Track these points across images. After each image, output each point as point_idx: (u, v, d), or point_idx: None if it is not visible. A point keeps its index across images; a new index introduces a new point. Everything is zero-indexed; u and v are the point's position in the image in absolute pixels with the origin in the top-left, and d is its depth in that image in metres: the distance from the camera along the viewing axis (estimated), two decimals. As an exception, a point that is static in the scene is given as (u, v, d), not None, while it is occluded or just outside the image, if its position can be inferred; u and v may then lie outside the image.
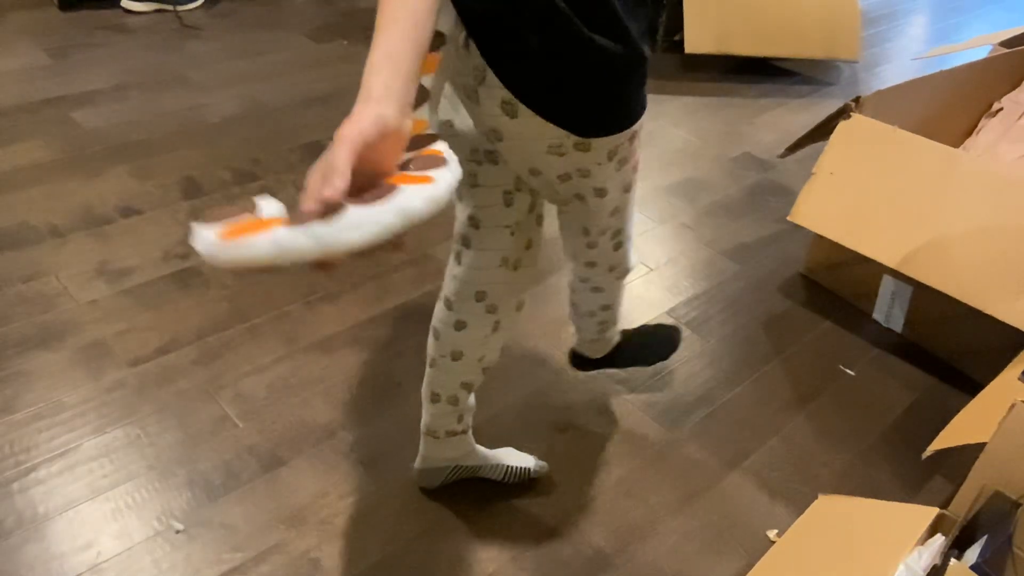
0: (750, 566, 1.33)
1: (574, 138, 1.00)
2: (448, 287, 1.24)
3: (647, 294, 1.96)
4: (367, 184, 0.71)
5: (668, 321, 1.88)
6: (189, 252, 1.92)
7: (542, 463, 1.47)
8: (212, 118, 2.47)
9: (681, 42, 2.99)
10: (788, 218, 1.86)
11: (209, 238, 0.63)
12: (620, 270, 1.33)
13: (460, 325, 1.25)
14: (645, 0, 0.97)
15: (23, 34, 2.84)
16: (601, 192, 1.13)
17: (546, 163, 1.05)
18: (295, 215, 0.65)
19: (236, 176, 2.21)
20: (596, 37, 0.92)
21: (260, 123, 2.47)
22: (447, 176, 0.71)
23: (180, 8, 3.15)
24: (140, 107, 2.49)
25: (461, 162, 1.13)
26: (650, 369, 1.74)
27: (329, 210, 0.64)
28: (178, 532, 1.32)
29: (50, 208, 2.01)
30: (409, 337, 1.75)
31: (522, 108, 0.96)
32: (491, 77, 0.95)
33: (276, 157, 2.31)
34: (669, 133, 2.70)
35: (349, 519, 1.37)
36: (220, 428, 1.50)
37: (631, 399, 1.66)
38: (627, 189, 1.17)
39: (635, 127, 1.06)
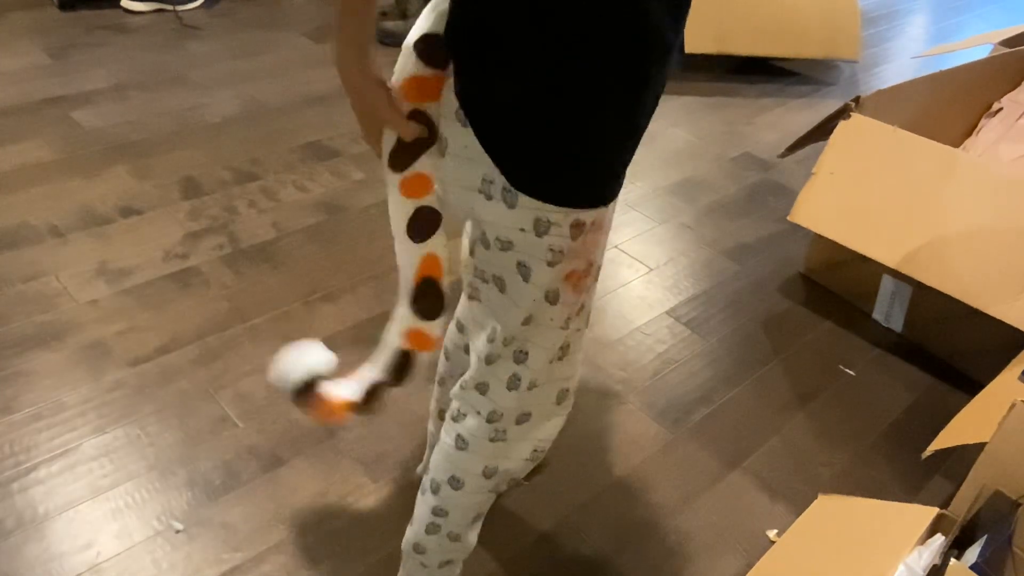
0: (750, 566, 1.33)
1: (503, 181, 0.82)
2: (459, 308, 1.18)
3: (647, 294, 1.96)
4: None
5: (667, 322, 1.88)
6: (189, 252, 1.92)
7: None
8: (212, 118, 2.47)
9: (681, 42, 2.98)
10: (788, 218, 1.86)
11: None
12: (503, 422, 0.99)
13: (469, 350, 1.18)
14: (640, 32, 0.76)
15: (23, 34, 2.84)
16: (524, 272, 0.87)
17: (477, 205, 0.87)
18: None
19: (236, 176, 2.21)
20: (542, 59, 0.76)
21: (260, 123, 2.47)
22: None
23: (180, 8, 3.15)
24: (140, 107, 2.49)
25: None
26: (650, 369, 1.74)
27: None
28: (178, 532, 1.32)
29: (50, 208, 2.01)
30: (409, 337, 1.74)
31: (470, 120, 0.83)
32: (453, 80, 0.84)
33: (276, 157, 2.31)
34: (669, 133, 2.70)
35: (349, 519, 1.37)
36: (220, 428, 1.50)
37: (631, 399, 1.66)
38: (551, 298, 0.89)
39: (577, 214, 0.84)
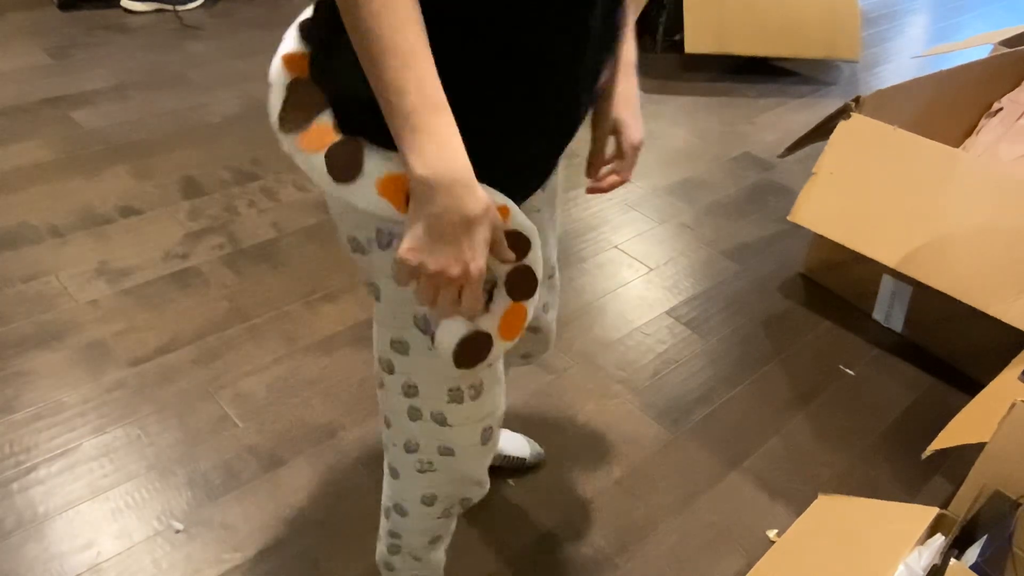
0: (750, 566, 1.33)
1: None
2: None
3: (647, 294, 1.96)
4: None
5: (667, 322, 1.88)
6: (189, 252, 1.92)
7: (539, 452, 1.48)
8: (212, 118, 2.47)
9: (681, 42, 2.99)
10: (788, 218, 1.86)
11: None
12: (424, 452, 0.93)
13: None
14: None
15: (23, 34, 2.84)
16: (372, 289, 0.81)
17: (333, 206, 0.80)
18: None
19: (236, 176, 2.21)
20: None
21: (260, 123, 2.47)
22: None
23: (180, 8, 3.15)
24: (140, 107, 2.49)
25: None
26: (650, 369, 1.74)
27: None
28: (178, 532, 1.32)
29: (50, 208, 2.01)
30: (409, 337, 1.74)
31: None
32: None
33: (276, 157, 2.31)
34: (669, 133, 2.70)
35: (349, 519, 1.37)
36: (220, 428, 1.50)
37: (631, 399, 1.66)
38: (421, 325, 0.81)
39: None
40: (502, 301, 0.79)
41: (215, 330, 1.71)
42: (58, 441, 1.45)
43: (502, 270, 0.78)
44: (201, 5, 3.22)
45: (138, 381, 1.58)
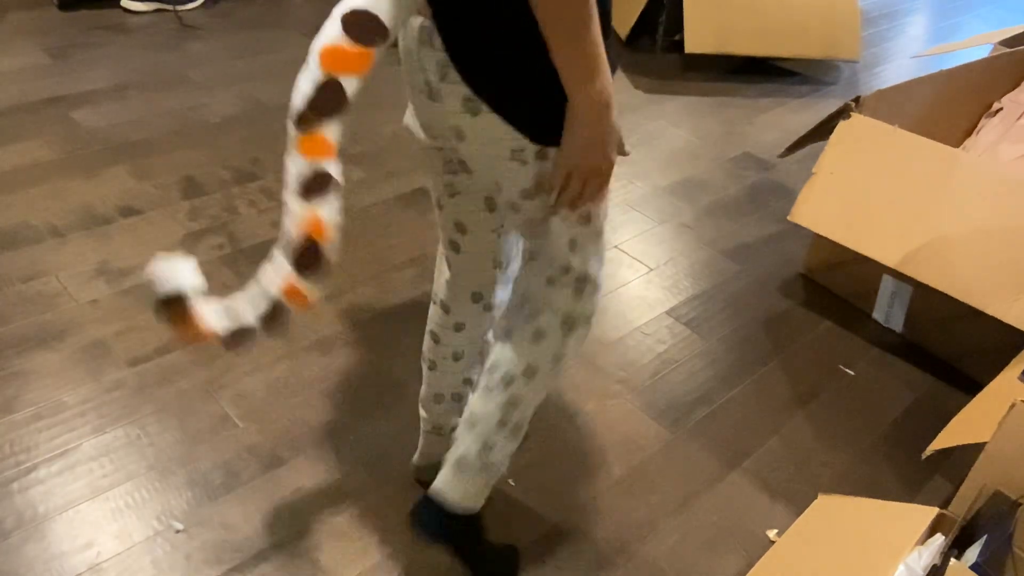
0: (750, 566, 1.33)
1: (535, 146, 0.96)
2: (441, 291, 1.25)
3: (647, 294, 1.96)
4: None
5: (667, 322, 1.88)
6: (189, 252, 1.92)
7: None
8: (212, 118, 2.47)
9: (681, 42, 2.99)
10: (788, 218, 1.86)
11: None
12: (582, 326, 1.13)
13: (459, 327, 1.25)
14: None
15: (23, 34, 2.84)
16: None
17: (509, 173, 0.99)
18: None
19: (236, 176, 2.21)
20: None
21: (260, 123, 2.47)
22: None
23: (180, 8, 3.15)
24: (140, 107, 2.49)
25: (436, 174, 1.13)
26: (650, 368, 1.74)
27: None
28: (178, 532, 1.32)
29: (50, 208, 2.01)
30: (409, 337, 1.75)
31: (484, 107, 0.94)
32: (453, 73, 0.93)
33: (276, 157, 2.31)
34: (669, 133, 2.70)
35: (349, 519, 1.37)
36: (220, 428, 1.50)
37: (631, 399, 1.66)
38: (584, 219, 1.05)
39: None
40: None
41: (215, 330, 1.71)
42: (58, 441, 1.45)
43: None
44: (201, 5, 3.22)
45: (138, 381, 1.58)
